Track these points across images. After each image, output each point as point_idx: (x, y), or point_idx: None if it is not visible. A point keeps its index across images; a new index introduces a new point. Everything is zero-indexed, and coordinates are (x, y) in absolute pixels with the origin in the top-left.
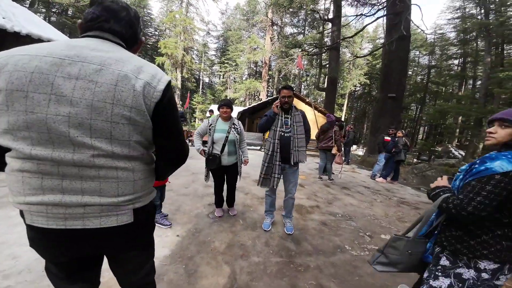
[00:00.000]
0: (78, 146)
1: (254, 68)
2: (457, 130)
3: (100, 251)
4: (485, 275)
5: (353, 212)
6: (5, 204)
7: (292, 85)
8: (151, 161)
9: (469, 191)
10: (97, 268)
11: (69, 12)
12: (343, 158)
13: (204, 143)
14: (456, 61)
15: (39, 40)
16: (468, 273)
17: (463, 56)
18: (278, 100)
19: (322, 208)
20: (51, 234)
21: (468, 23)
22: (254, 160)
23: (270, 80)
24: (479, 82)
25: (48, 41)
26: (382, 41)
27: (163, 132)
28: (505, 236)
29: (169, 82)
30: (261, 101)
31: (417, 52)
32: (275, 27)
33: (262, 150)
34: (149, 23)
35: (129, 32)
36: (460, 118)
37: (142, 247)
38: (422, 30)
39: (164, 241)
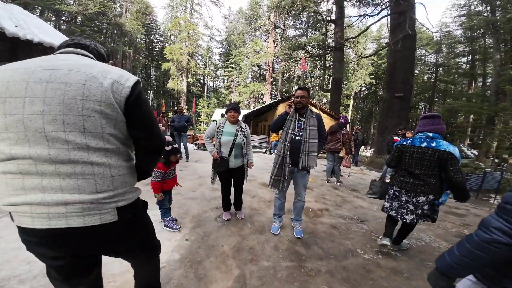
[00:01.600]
0: (52, 141)
1: (258, 71)
2: (469, 129)
3: (91, 251)
4: (395, 193)
5: (363, 215)
6: None
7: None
8: (129, 158)
9: (390, 155)
10: (96, 271)
11: (77, 20)
12: (351, 161)
13: None
14: (464, 59)
15: (51, 48)
16: (390, 191)
17: (471, 54)
18: (291, 100)
19: (331, 211)
20: (38, 234)
21: (475, 21)
22: (259, 163)
23: (274, 82)
24: (489, 80)
25: None
26: (386, 40)
27: (136, 124)
28: (402, 175)
29: (138, 81)
30: (265, 104)
31: (423, 51)
32: (277, 30)
33: (267, 152)
34: (154, 30)
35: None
36: (471, 116)
37: (138, 246)
38: (427, 29)
39: (174, 245)
